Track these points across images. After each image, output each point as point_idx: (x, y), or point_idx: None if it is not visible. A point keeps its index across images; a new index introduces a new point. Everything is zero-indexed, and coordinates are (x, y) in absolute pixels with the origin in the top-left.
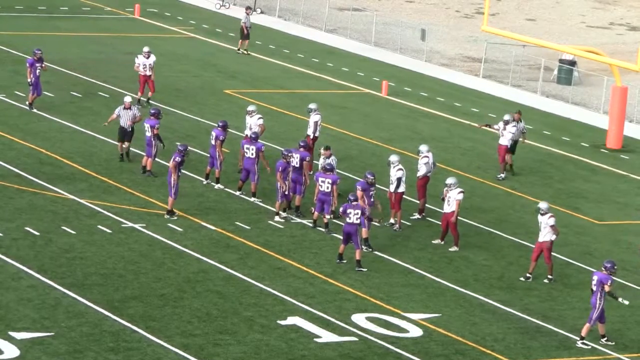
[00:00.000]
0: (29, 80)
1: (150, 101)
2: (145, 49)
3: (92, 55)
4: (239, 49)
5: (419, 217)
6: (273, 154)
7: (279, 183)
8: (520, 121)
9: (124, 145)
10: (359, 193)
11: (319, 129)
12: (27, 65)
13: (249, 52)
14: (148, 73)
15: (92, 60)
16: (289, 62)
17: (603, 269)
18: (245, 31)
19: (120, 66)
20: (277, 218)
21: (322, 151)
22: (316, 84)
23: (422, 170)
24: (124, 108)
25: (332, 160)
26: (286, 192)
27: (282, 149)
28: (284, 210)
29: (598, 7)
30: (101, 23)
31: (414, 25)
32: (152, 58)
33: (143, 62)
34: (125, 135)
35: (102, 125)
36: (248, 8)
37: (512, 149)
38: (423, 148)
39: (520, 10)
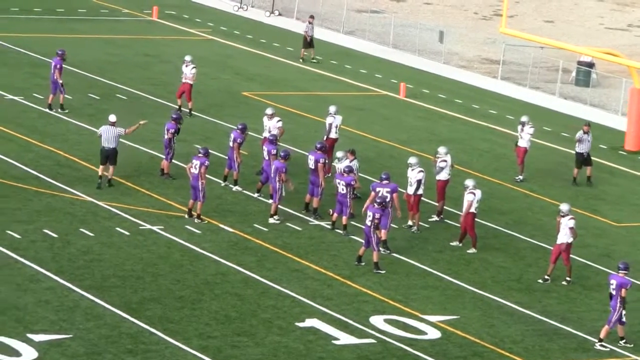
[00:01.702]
0: (60, 81)
1: (183, 109)
2: (186, 57)
3: (109, 57)
4: (301, 57)
5: (437, 219)
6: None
7: (277, 184)
8: (589, 133)
9: (105, 171)
10: (393, 195)
11: (335, 130)
12: (58, 66)
13: (317, 59)
14: (183, 81)
15: (110, 63)
16: (306, 64)
17: (618, 270)
18: (308, 39)
19: (138, 68)
20: (271, 220)
21: (338, 154)
22: (334, 86)
23: (443, 173)
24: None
25: (354, 163)
26: (283, 194)
27: (281, 151)
28: (274, 215)
29: (616, 8)
30: (119, 25)
31: (432, 27)
32: (189, 67)
33: (183, 71)
34: (108, 157)
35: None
36: (311, 17)
37: (587, 161)
38: (442, 150)
39: (539, 12)
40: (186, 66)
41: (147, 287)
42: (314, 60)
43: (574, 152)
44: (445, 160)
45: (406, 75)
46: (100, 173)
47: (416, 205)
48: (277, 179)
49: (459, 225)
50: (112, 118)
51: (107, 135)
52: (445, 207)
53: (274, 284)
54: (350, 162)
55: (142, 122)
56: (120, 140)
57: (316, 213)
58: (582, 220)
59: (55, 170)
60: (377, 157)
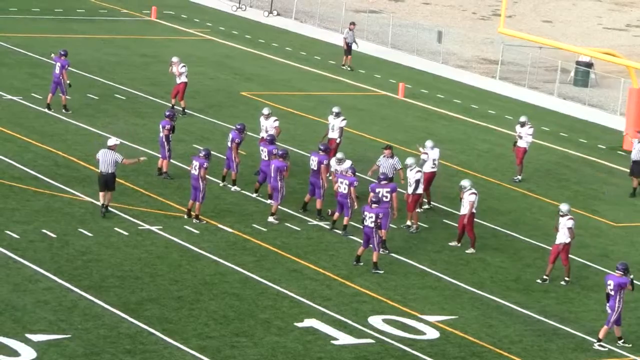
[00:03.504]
0: (68, 82)
1: (176, 107)
2: (173, 59)
3: (108, 57)
4: (343, 64)
5: (428, 206)
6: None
7: (279, 184)
8: None
9: (105, 197)
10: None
11: (330, 133)
12: (66, 67)
13: (352, 68)
14: (178, 81)
15: (109, 63)
16: (305, 64)
17: (617, 271)
18: (346, 46)
19: (137, 68)
20: (270, 219)
21: (339, 155)
22: (333, 86)
23: (426, 166)
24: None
25: (396, 160)
26: (284, 194)
27: (279, 150)
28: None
29: (614, 8)
30: (118, 25)
31: (430, 27)
32: (180, 65)
33: (174, 72)
34: (107, 183)
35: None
36: (352, 23)
37: (637, 172)
38: (428, 144)
39: (537, 12)
40: (175, 66)
41: (146, 287)
42: (348, 69)
43: (576, 153)
44: (427, 153)
45: (405, 75)
46: (101, 201)
47: (414, 205)
48: (278, 178)
49: (457, 225)
50: (111, 142)
51: (105, 159)
52: (443, 207)
53: (272, 284)
54: (392, 158)
55: (142, 159)
56: (120, 140)
57: (320, 214)
58: (581, 220)
59: (54, 171)
60: (376, 157)
